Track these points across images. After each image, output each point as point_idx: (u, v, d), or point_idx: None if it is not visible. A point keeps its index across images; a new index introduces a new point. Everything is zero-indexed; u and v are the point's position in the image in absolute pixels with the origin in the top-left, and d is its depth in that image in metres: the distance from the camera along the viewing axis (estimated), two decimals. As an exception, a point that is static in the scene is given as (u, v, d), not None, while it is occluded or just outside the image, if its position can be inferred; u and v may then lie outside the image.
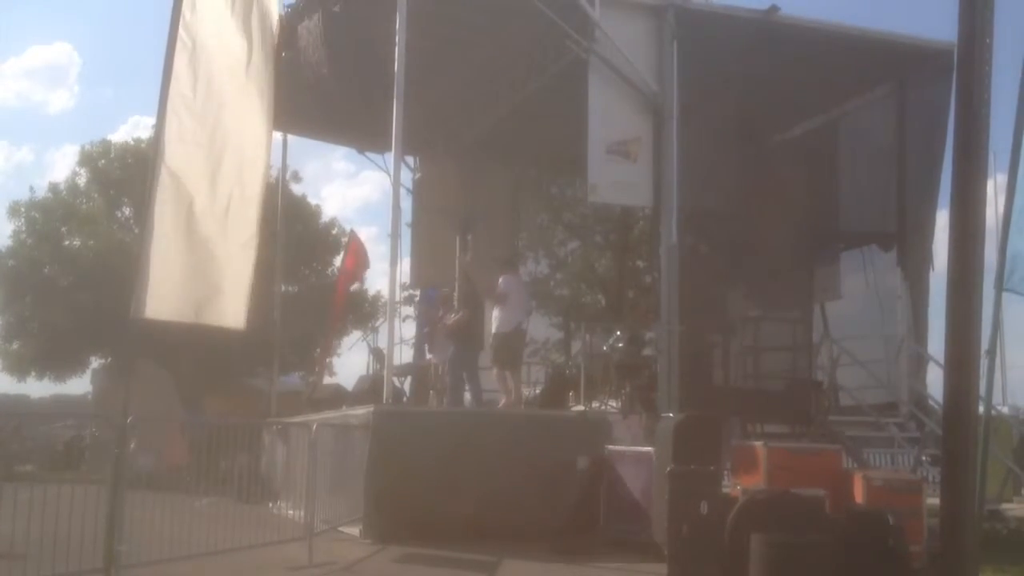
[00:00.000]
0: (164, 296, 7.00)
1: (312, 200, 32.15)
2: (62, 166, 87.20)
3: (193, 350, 22.42)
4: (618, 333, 14.12)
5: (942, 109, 13.07)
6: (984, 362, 7.31)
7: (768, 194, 14.18)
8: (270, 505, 11.75)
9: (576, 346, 17.72)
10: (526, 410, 13.26)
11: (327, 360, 22.92)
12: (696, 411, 9.41)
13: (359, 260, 19.15)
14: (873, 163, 15.00)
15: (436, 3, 12.96)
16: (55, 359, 27.96)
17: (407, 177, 18.62)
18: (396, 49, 11.70)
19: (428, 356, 14.98)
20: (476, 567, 8.78)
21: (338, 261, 26.02)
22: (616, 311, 19.77)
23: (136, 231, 23.43)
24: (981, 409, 7.42)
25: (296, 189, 28.09)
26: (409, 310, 18.86)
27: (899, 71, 14.42)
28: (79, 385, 30.48)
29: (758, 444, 9.34)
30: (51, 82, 71.49)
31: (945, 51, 12.52)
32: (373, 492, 10.14)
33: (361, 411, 11.34)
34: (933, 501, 7.55)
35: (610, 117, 12.40)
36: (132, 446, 7.16)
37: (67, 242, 27.88)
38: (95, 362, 28.85)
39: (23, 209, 27.91)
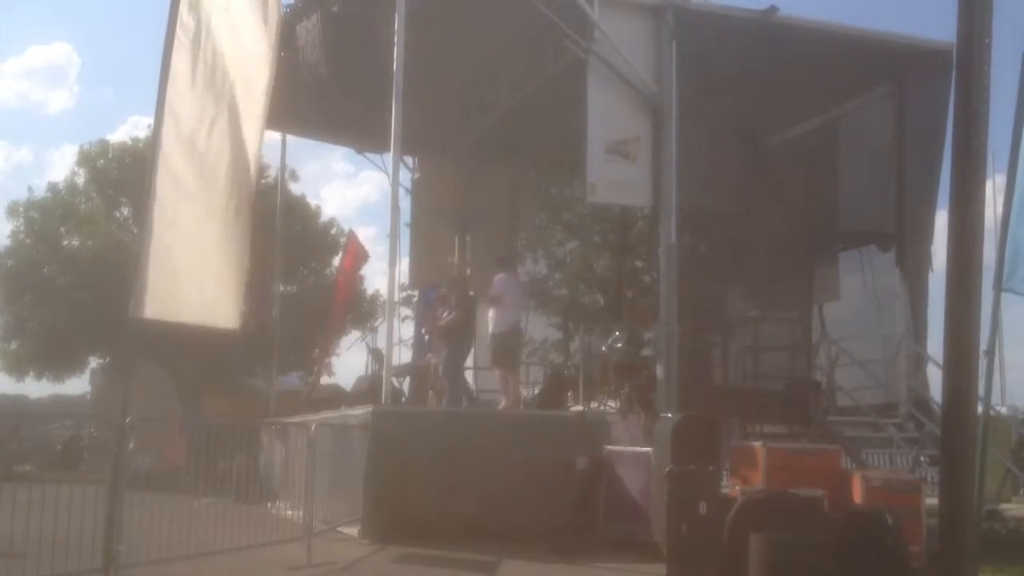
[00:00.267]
0: (162, 296, 7.00)
1: (312, 200, 32.21)
2: (61, 166, 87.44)
3: (192, 350, 22.40)
4: (617, 333, 14.12)
5: (941, 109, 13.08)
6: (983, 362, 7.32)
7: (767, 194, 14.19)
8: (269, 505, 11.74)
9: (575, 346, 17.71)
10: (525, 410, 13.26)
11: (326, 360, 22.88)
12: (695, 411, 9.41)
13: (357, 260, 19.16)
14: (872, 163, 15.00)
15: (435, 3, 12.95)
16: (54, 359, 27.94)
17: (406, 177, 18.66)
18: (395, 49, 11.69)
19: (427, 356, 14.98)
20: (475, 567, 8.78)
21: (337, 261, 26.04)
22: (615, 311, 19.75)
23: (135, 231, 23.43)
24: (980, 409, 7.43)
25: (295, 189, 28.10)
26: (408, 310, 18.85)
27: (898, 71, 14.42)
28: (78, 385, 30.50)
29: (757, 444, 9.35)
30: (51, 82, 71.66)
31: (944, 51, 12.53)
32: (372, 492, 10.14)
33: (360, 411, 11.34)
34: (932, 501, 7.55)
35: (609, 117, 12.40)
36: (131, 446, 7.16)
37: (66, 242, 27.87)
38: (94, 362, 28.87)
39: (22, 209, 27.89)
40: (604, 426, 11.39)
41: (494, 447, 10.60)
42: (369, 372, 16.26)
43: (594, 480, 10.30)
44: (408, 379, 15.53)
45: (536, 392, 15.60)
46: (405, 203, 18.30)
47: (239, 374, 26.02)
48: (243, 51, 7.69)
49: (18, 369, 28.09)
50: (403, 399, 14.47)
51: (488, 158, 18.75)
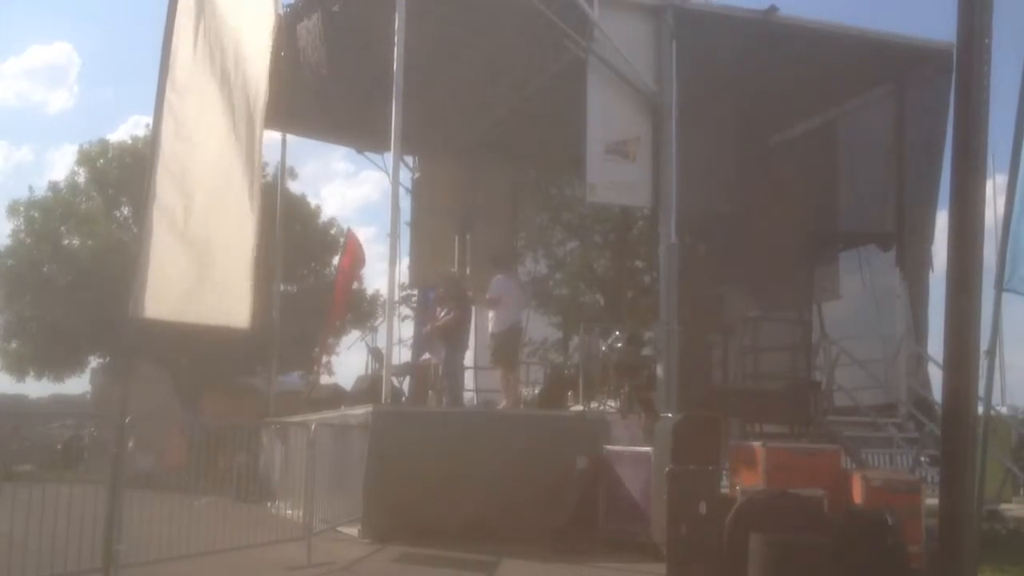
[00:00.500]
0: (163, 296, 7.00)
1: (312, 200, 32.18)
2: (61, 166, 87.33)
3: (192, 350, 22.41)
4: (617, 333, 14.12)
5: (941, 109, 13.09)
6: (984, 362, 7.31)
7: (767, 194, 14.21)
8: (268, 505, 11.74)
9: (573, 345, 17.72)
10: (525, 410, 13.26)
11: (326, 360, 22.89)
12: (695, 411, 9.41)
13: (356, 259, 19.15)
14: (872, 163, 15.01)
15: (435, 3, 12.96)
16: (54, 358, 27.93)
17: (406, 177, 18.66)
18: (395, 49, 11.69)
19: (427, 356, 14.97)
20: (475, 567, 8.77)
21: (337, 261, 26.01)
22: (615, 311, 19.76)
23: (135, 230, 23.42)
24: (980, 409, 7.43)
25: (294, 188, 28.08)
26: (408, 310, 18.85)
27: (898, 71, 14.43)
28: (78, 385, 30.47)
29: (757, 444, 9.34)
30: (51, 82, 71.53)
31: (944, 51, 12.53)
32: (372, 492, 10.13)
33: (360, 411, 11.34)
34: (932, 501, 7.55)
35: (609, 117, 12.40)
36: (131, 446, 7.16)
37: (66, 241, 27.86)
38: (94, 362, 28.84)
39: (22, 208, 27.88)
40: (604, 426, 11.38)
41: (494, 447, 10.60)
42: (369, 372, 16.26)
43: (594, 480, 10.30)
44: (408, 379, 15.53)
45: (536, 392, 15.61)
46: (405, 203, 18.34)
47: (239, 374, 26.01)
48: (243, 51, 7.68)
49: (18, 368, 28.09)
50: (403, 399, 14.47)
51: (488, 158, 18.76)
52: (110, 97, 75.58)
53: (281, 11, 8.40)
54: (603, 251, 23.43)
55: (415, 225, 19.28)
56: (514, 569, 8.85)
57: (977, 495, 6.82)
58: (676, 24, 12.66)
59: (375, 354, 16.06)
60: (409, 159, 18.83)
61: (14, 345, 27.85)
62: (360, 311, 27.90)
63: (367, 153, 18.75)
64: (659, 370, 12.22)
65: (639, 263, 20.74)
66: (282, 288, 20.13)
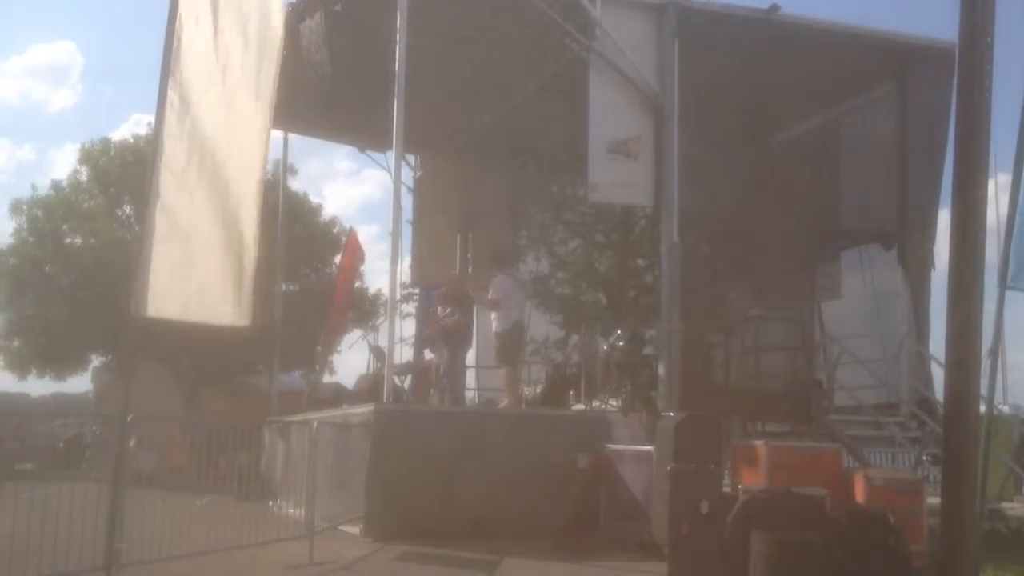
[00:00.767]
0: (164, 294, 7.00)
1: (314, 198, 32.23)
2: (64, 164, 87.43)
3: (193, 349, 22.42)
4: (619, 332, 14.12)
5: (943, 108, 13.07)
6: (987, 362, 7.30)
7: (769, 193, 14.20)
8: (270, 504, 11.75)
9: (573, 343, 17.71)
10: (526, 409, 13.26)
11: (327, 359, 22.90)
12: (696, 410, 9.40)
13: (353, 258, 19.16)
14: (874, 162, 14.99)
15: (437, 2, 12.96)
16: (56, 357, 27.96)
17: (408, 176, 18.66)
18: (397, 48, 11.70)
19: (428, 355, 14.98)
20: (476, 565, 8.77)
21: (339, 260, 26.03)
22: (617, 310, 19.74)
23: (136, 229, 23.44)
24: (983, 408, 7.42)
25: (295, 186, 28.11)
26: (410, 308, 18.86)
27: (900, 70, 14.42)
28: (80, 383, 30.54)
29: (759, 443, 9.33)
30: (53, 81, 71.63)
31: (946, 50, 12.51)
32: (373, 491, 10.13)
33: (362, 410, 11.34)
34: (934, 500, 7.54)
35: (611, 116, 12.40)
36: (132, 444, 7.15)
37: (68, 240, 27.89)
38: (96, 360, 28.88)
39: (24, 207, 27.92)
40: (605, 425, 11.38)
41: (495, 446, 10.60)
42: (371, 370, 16.27)
43: (595, 479, 10.30)
44: (409, 377, 15.55)
45: (538, 391, 15.61)
46: (407, 201, 18.34)
47: (240, 372, 26.03)
48: (246, 50, 7.68)
49: (20, 367, 28.12)
50: (405, 398, 14.48)
51: (490, 156, 18.76)
52: (112, 95, 75.74)
53: (286, 9, 8.37)
54: (605, 250, 23.38)
55: (417, 224, 19.29)
56: (515, 567, 8.84)
57: (979, 494, 6.81)
58: (678, 23, 12.66)
59: (377, 353, 16.08)
60: (411, 158, 18.83)
61: (16, 344, 27.89)
62: (362, 310, 27.92)
63: (369, 152, 18.78)
64: (661, 369, 12.22)
65: (641, 262, 20.67)
66: (284, 287, 20.15)
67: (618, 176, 12.43)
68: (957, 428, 5.65)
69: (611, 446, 10.56)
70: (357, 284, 24.12)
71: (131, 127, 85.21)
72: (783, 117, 15.77)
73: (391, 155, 13.47)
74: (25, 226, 27.76)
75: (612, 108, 12.43)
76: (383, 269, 27.80)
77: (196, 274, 7.24)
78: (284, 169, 20.43)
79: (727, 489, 8.78)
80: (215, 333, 8.12)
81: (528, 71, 14.82)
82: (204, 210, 7.29)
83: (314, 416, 11.90)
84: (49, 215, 27.80)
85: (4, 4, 55.81)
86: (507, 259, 14.56)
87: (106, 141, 29.27)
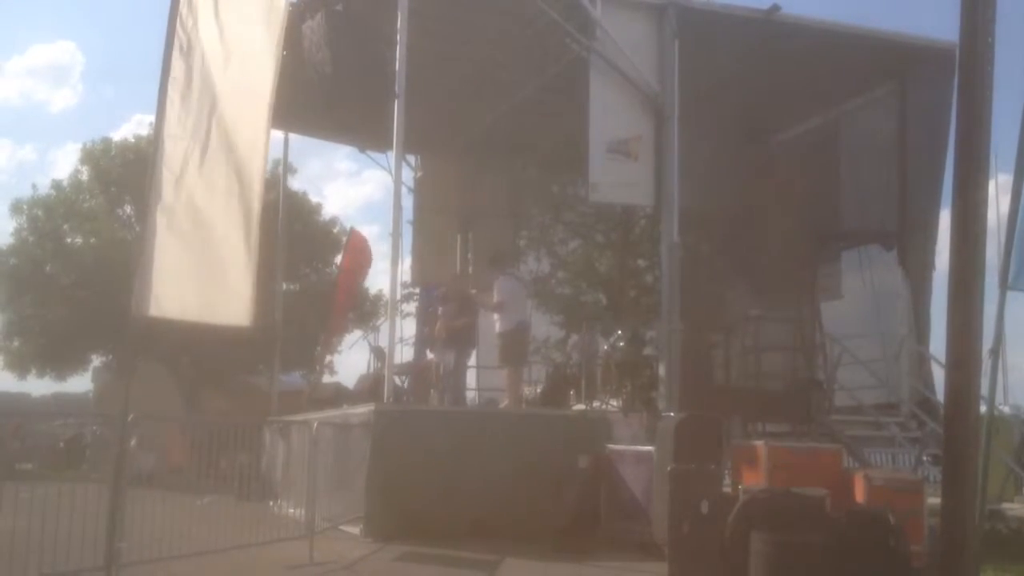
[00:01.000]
0: (165, 294, 7.00)
1: (314, 198, 32.27)
2: (64, 164, 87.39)
3: (194, 349, 22.42)
4: (619, 332, 14.11)
5: (944, 108, 13.07)
6: (987, 361, 7.30)
7: (769, 193, 14.20)
8: (271, 504, 11.75)
9: (572, 342, 17.72)
10: (526, 409, 13.27)
11: (328, 359, 22.92)
12: (697, 410, 9.40)
13: (357, 257, 19.14)
14: (874, 162, 14.99)
15: (438, 2, 12.96)
16: (56, 357, 27.97)
17: (408, 176, 18.65)
18: (398, 48, 11.70)
19: (429, 355, 14.97)
20: (477, 566, 8.77)
21: (339, 260, 26.03)
22: (617, 310, 19.75)
23: (137, 229, 23.46)
24: (983, 409, 7.41)
25: (295, 185, 28.12)
26: (410, 308, 18.86)
27: (900, 70, 14.42)
28: (80, 383, 30.54)
29: (759, 443, 9.33)
30: (54, 80, 71.56)
31: (947, 50, 12.51)
32: (374, 491, 10.14)
33: (362, 410, 11.34)
34: (934, 500, 7.54)
35: (611, 116, 12.40)
36: (133, 444, 7.15)
37: (69, 240, 27.91)
38: (96, 360, 28.90)
39: (25, 207, 27.93)
40: (606, 425, 11.38)
41: (496, 446, 10.60)
42: (371, 370, 16.27)
43: (595, 479, 10.30)
44: (409, 377, 15.54)
45: (538, 391, 15.61)
46: (407, 201, 18.33)
47: (241, 372, 26.02)
48: (247, 49, 7.67)
49: (20, 367, 28.14)
50: (405, 398, 14.48)
51: (490, 156, 18.76)
52: (113, 95, 75.64)
53: (286, 9, 8.35)
54: (605, 250, 23.40)
55: (417, 224, 19.28)
56: (516, 568, 8.85)
57: (979, 494, 6.81)
58: (678, 23, 12.67)
59: (377, 353, 16.07)
60: (411, 158, 18.83)
61: (16, 343, 27.91)
62: (362, 310, 27.94)
63: (369, 152, 18.76)
64: (661, 369, 12.22)
65: (641, 262, 20.70)
66: (284, 287, 20.15)
67: (618, 176, 12.44)
68: (957, 428, 5.64)
69: (611, 446, 10.56)
70: (364, 284, 24.08)
71: (132, 127, 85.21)
72: (783, 117, 15.77)
73: (391, 155, 13.48)
74: (25, 226, 27.78)
75: (612, 108, 12.43)
76: (383, 269, 27.73)
77: (197, 273, 7.23)
78: (284, 169, 20.45)
79: (727, 489, 8.78)
80: (215, 333, 8.12)
81: (528, 71, 14.82)
82: (204, 210, 7.28)
83: (314, 416, 11.91)
84: (50, 215, 27.82)
85: (5, 4, 55.81)
86: (508, 260, 14.57)
87: (107, 141, 29.32)
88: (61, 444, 22.28)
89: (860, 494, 8.64)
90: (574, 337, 17.68)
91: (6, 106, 65.82)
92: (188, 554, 7.77)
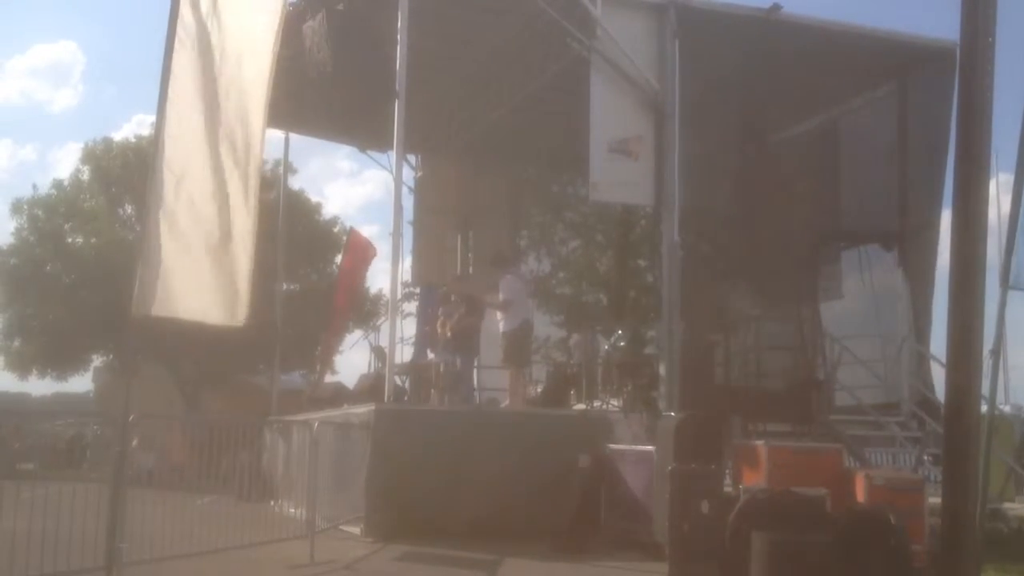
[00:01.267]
0: (165, 294, 7.01)
1: (314, 197, 32.29)
2: (65, 164, 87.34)
3: (194, 348, 22.45)
4: (619, 332, 14.11)
5: (944, 108, 13.06)
6: (988, 361, 7.30)
7: (770, 193, 14.19)
8: (271, 503, 11.75)
9: (573, 342, 17.73)
10: (527, 409, 13.27)
11: (329, 359, 22.90)
12: (697, 410, 9.40)
13: (358, 255, 19.13)
14: (875, 162, 14.99)
15: (438, 2, 12.96)
16: (57, 357, 28.00)
17: (409, 175, 18.67)
18: (398, 48, 11.70)
19: (429, 355, 14.96)
20: (477, 565, 8.77)
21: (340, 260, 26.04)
22: (617, 310, 19.75)
23: (137, 229, 23.45)
24: (984, 408, 7.42)
25: (294, 184, 28.14)
26: (410, 308, 18.86)
27: (901, 70, 14.41)
28: (81, 383, 30.63)
29: (759, 443, 9.33)
30: (55, 80, 71.71)
31: (947, 49, 12.52)
32: (374, 490, 10.14)
33: (362, 410, 11.34)
34: (935, 500, 7.54)
35: (611, 115, 12.40)
36: (134, 444, 7.16)
37: (69, 239, 27.92)
38: (97, 360, 28.94)
39: (25, 207, 27.94)
40: (606, 425, 11.38)
41: (496, 445, 10.60)
42: (372, 370, 16.27)
43: (596, 479, 10.29)
44: (409, 377, 15.53)
45: (539, 391, 15.61)
46: (408, 201, 18.34)
47: (241, 372, 26.04)
48: (245, 48, 7.67)
49: (21, 367, 28.16)
50: (406, 398, 14.48)
51: (491, 156, 18.77)
52: (114, 95, 75.86)
53: (285, 9, 8.36)
54: (605, 250, 23.41)
55: (417, 223, 19.29)
56: (516, 567, 8.85)
57: (980, 494, 6.81)
58: (679, 22, 12.67)
59: (378, 353, 16.07)
60: (412, 158, 18.83)
61: (17, 344, 27.92)
62: (363, 310, 27.95)
63: (370, 152, 18.77)
64: (661, 369, 12.22)
65: (641, 262, 20.71)
66: (284, 287, 20.15)
67: (619, 175, 12.44)
68: (958, 428, 5.64)
69: (612, 446, 10.56)
70: (366, 284, 24.09)
71: (133, 127, 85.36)
72: (783, 117, 15.76)
73: (392, 155, 13.49)
74: (26, 226, 27.80)
75: (613, 107, 12.43)
76: (384, 269, 27.83)
77: (193, 273, 7.23)
78: (285, 169, 20.46)
79: (728, 489, 8.78)
80: (214, 333, 8.12)
81: (529, 71, 14.82)
82: (204, 210, 7.28)
83: (315, 416, 11.91)
84: (50, 215, 27.84)
85: (6, 4, 55.86)
86: (511, 259, 14.57)
87: (108, 141, 29.35)
88: (62, 444, 22.30)
89: (860, 494, 8.64)
90: (576, 336, 17.67)
91: (7, 106, 66.03)
92: (188, 554, 7.77)
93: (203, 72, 7.39)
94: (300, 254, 25.77)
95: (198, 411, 21.90)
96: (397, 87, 11.64)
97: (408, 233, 18.59)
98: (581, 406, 13.60)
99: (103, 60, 74.84)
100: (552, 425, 11.47)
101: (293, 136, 18.68)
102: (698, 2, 13.36)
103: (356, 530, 10.19)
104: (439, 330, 13.24)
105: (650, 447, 9.60)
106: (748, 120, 14.52)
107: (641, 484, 9.61)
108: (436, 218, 19.08)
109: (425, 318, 15.73)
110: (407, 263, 18.68)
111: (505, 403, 13.11)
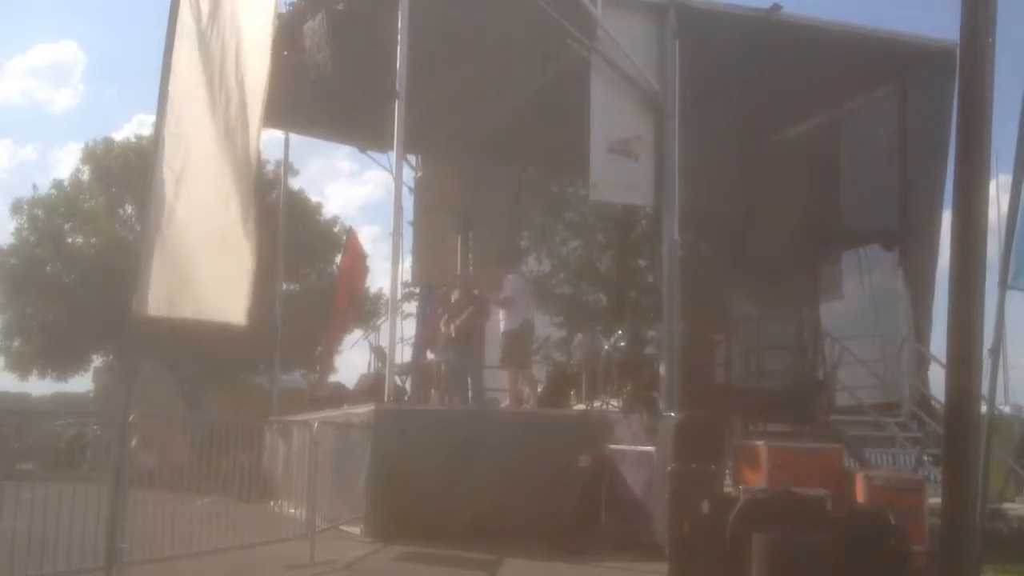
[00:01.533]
0: (165, 293, 7.01)
1: (314, 197, 32.31)
2: (66, 164, 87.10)
3: (195, 348, 22.43)
4: (620, 332, 14.12)
5: (944, 108, 13.06)
6: (988, 361, 7.29)
7: (770, 193, 14.17)
8: (271, 504, 11.75)
9: (574, 342, 17.74)
10: (527, 409, 13.27)
11: (329, 359, 22.89)
12: (697, 410, 9.40)
13: (357, 257, 19.15)
14: (875, 162, 14.99)
15: (438, 2, 12.96)
16: (57, 357, 27.99)
17: (409, 176, 18.67)
18: (399, 48, 11.70)
19: (429, 355, 14.96)
20: (477, 566, 8.78)
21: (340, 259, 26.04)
22: (618, 310, 19.77)
23: (137, 229, 23.45)
24: (984, 408, 7.41)
25: (294, 184, 28.16)
26: (410, 308, 18.85)
27: (901, 70, 14.41)
28: (81, 383, 30.58)
29: (759, 443, 9.34)
30: (55, 80, 71.57)
31: (948, 50, 12.50)
32: (374, 491, 10.14)
33: (362, 410, 11.34)
34: (935, 500, 7.54)
35: (612, 116, 12.40)
36: (133, 444, 7.16)
37: (69, 239, 27.92)
38: (97, 360, 28.92)
39: (26, 207, 27.94)
40: (606, 425, 11.38)
41: (496, 446, 10.60)
42: (372, 370, 16.27)
43: (596, 479, 10.30)
44: (409, 377, 15.53)
45: (539, 391, 15.60)
46: (408, 201, 18.33)
47: (242, 372, 26.03)
48: (244, 49, 7.68)
49: (21, 367, 28.16)
50: (406, 398, 14.48)
51: (491, 156, 18.76)
52: (115, 95, 75.68)
53: (283, 10, 8.39)
54: (606, 250, 23.43)
55: (417, 224, 19.27)
56: (516, 568, 8.85)
57: (980, 494, 6.81)
58: (679, 23, 12.67)
59: (378, 353, 16.07)
60: (412, 158, 18.83)
61: (17, 344, 27.92)
62: (363, 310, 27.94)
63: (370, 152, 18.78)
64: (661, 369, 12.22)
65: (641, 262, 20.73)
66: (284, 287, 20.15)
67: (619, 176, 12.45)
68: (957, 428, 5.63)
69: (612, 446, 10.57)
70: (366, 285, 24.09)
71: (134, 127, 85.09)
72: (783, 117, 15.74)
73: (392, 155, 13.48)
74: (26, 225, 27.80)
75: (613, 108, 12.43)
76: (384, 269, 27.79)
77: (193, 272, 7.24)
78: (285, 169, 20.47)
79: (728, 489, 8.78)
80: (214, 332, 8.12)
81: (529, 71, 14.82)
82: (204, 209, 7.29)
83: (315, 416, 11.91)
84: (50, 215, 27.85)
85: (6, 3, 55.83)
86: (515, 258, 14.58)
87: (108, 141, 29.36)
88: (62, 444, 22.28)
89: (861, 494, 8.65)
90: (578, 336, 17.68)
91: (7, 106, 65.91)
92: (188, 554, 7.77)
93: (203, 71, 7.40)
94: (300, 254, 25.77)
95: (198, 411, 21.87)
96: (397, 87, 11.64)
97: (408, 233, 18.60)
98: (581, 406, 13.60)
99: (103, 60, 74.75)
100: (552, 425, 11.47)
101: (293, 136, 18.71)
102: (698, 2, 13.36)
103: (356, 530, 10.19)
104: (442, 329, 13.22)
105: (650, 447, 9.61)
106: (748, 120, 14.50)
107: (641, 484, 9.61)
108: (436, 218, 19.06)
109: (425, 318, 15.72)
110: (407, 263, 18.68)
111: (505, 403, 13.10)
